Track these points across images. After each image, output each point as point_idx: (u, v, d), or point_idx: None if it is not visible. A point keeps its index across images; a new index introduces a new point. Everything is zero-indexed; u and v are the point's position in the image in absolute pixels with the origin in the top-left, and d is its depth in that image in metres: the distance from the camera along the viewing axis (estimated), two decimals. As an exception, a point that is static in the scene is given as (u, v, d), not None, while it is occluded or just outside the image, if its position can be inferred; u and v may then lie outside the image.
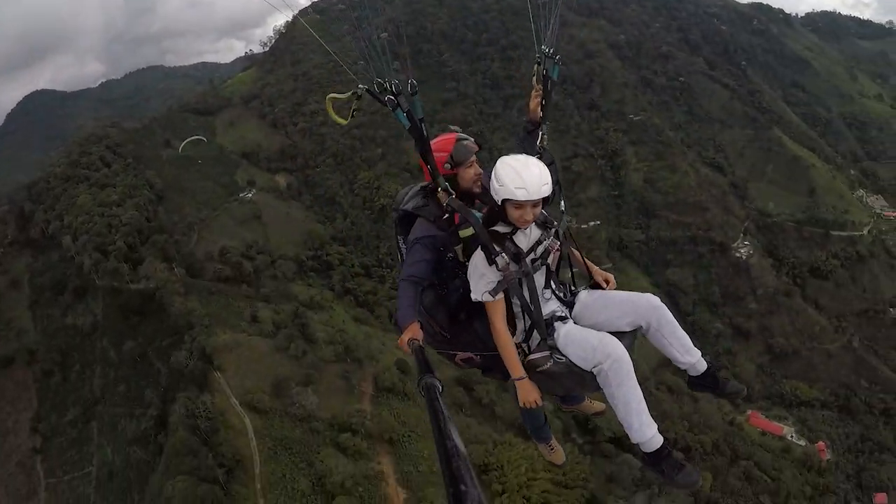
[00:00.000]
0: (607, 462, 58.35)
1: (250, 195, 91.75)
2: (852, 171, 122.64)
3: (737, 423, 79.06)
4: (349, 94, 3.91)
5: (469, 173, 4.30)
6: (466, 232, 4.06)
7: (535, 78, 4.90)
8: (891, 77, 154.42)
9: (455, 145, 4.25)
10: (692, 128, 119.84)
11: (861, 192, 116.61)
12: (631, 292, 4.20)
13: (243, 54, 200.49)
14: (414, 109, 3.97)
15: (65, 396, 65.14)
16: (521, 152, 4.05)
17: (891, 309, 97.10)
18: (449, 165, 4.21)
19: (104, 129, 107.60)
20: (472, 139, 4.37)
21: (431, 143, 4.19)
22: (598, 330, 3.99)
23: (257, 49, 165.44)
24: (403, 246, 4.56)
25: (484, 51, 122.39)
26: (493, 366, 4.33)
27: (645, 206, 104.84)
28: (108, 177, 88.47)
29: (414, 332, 3.82)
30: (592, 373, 3.76)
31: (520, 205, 3.76)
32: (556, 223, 4.09)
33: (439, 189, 4.14)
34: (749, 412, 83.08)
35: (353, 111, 4.04)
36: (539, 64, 4.80)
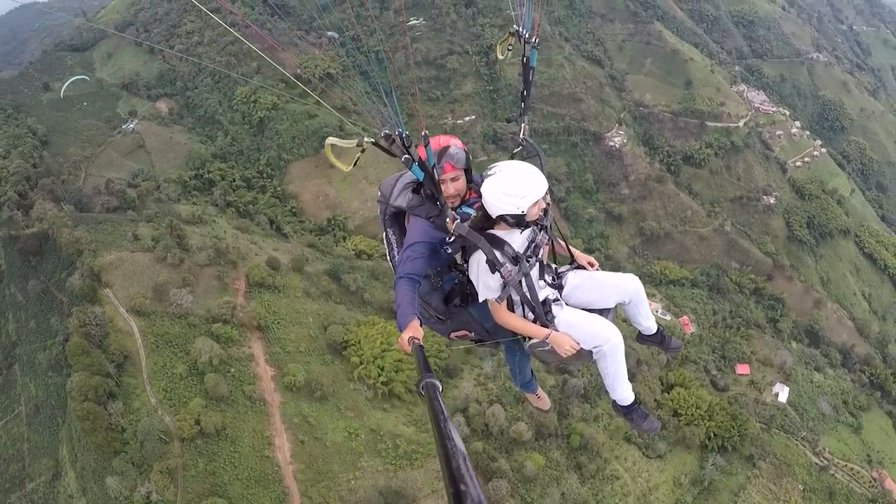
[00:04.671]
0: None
1: (133, 126, 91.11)
2: (737, 67, 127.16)
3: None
4: (352, 144, 3.81)
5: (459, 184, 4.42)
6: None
7: (499, 49, 4.84)
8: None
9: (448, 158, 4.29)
10: (571, 22, 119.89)
11: (743, 86, 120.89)
12: (615, 274, 4.77)
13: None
14: (427, 159, 3.94)
15: (-16, 350, 66.37)
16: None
17: (764, 196, 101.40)
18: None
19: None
20: (462, 149, 4.38)
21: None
22: (589, 307, 4.58)
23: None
24: (393, 237, 4.70)
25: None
26: (486, 338, 4.77)
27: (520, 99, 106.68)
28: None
29: (414, 330, 3.71)
30: (590, 350, 4.34)
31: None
32: (544, 219, 4.28)
33: (447, 218, 4.14)
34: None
35: (356, 162, 4.01)
36: (515, 37, 4.76)
